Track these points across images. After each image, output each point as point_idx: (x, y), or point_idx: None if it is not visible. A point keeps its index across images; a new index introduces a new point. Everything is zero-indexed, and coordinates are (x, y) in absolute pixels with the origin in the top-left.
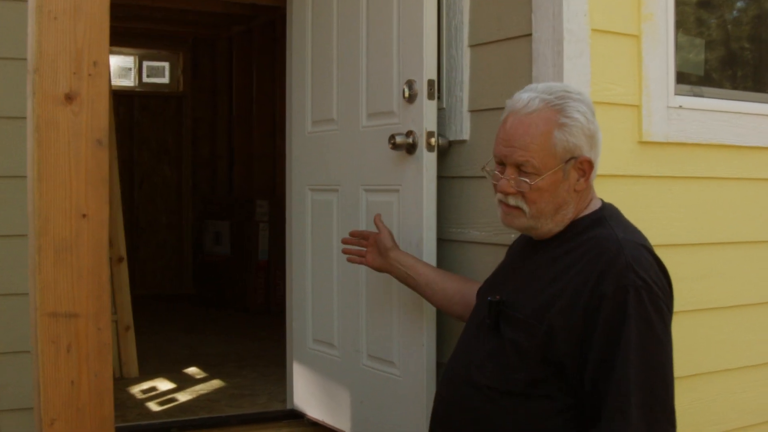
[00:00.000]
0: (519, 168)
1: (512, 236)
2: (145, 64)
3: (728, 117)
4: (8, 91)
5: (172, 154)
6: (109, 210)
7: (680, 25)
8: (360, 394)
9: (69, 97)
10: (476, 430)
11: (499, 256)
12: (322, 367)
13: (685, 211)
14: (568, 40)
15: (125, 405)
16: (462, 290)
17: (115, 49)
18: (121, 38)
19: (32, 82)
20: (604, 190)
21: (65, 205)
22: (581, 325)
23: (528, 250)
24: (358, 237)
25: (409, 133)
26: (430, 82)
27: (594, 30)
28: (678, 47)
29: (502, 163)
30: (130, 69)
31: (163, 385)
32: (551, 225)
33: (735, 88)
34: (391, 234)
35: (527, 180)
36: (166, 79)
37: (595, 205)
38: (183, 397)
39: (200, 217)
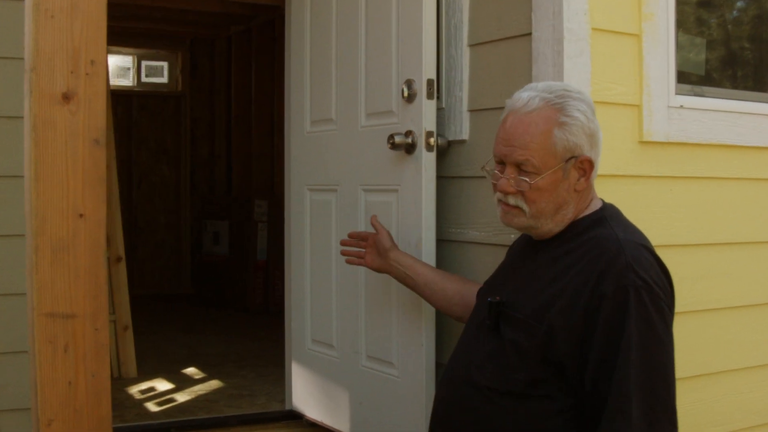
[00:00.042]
0: (519, 167)
1: (512, 236)
2: (144, 63)
3: (729, 117)
4: (7, 90)
5: (170, 154)
6: (106, 210)
7: (681, 24)
8: (359, 394)
9: (66, 97)
10: (476, 430)
11: (498, 257)
12: (321, 367)
13: (685, 211)
14: (568, 40)
15: (124, 405)
16: (461, 291)
17: (113, 48)
18: (119, 38)
19: (29, 81)
20: (605, 190)
21: (62, 204)
22: (581, 325)
23: (528, 251)
24: (356, 238)
25: (408, 133)
26: (430, 82)
27: (594, 29)
28: (678, 47)
29: (501, 163)
30: (128, 69)
31: (162, 385)
32: (551, 225)
33: (736, 87)
34: (389, 234)
35: (527, 179)
36: (164, 79)
37: (595, 206)
38: (182, 397)
39: (199, 216)
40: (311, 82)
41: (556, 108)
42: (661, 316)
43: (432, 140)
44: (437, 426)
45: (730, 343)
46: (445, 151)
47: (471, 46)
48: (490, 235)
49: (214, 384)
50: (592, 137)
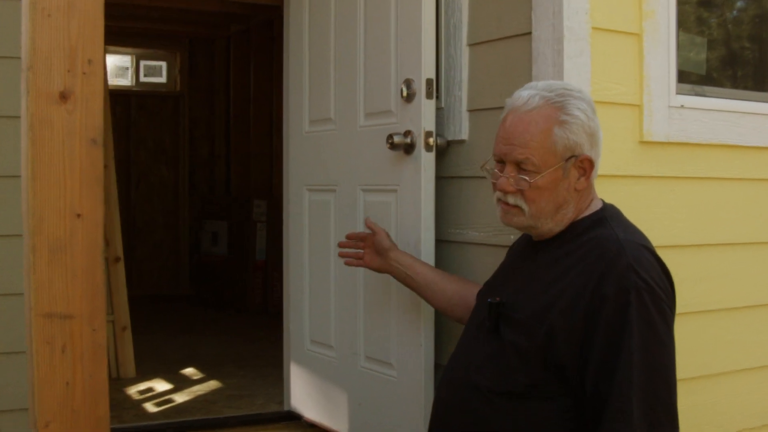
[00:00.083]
0: (519, 166)
1: (511, 237)
2: (143, 63)
3: (730, 117)
4: (4, 90)
5: (169, 154)
6: (104, 210)
7: (681, 23)
8: (358, 396)
9: (63, 96)
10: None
11: (498, 257)
12: (320, 368)
13: (686, 211)
14: (568, 39)
15: (122, 406)
16: (462, 292)
17: (112, 48)
18: (118, 37)
19: (26, 80)
20: (605, 191)
21: (59, 204)
22: (582, 326)
23: (528, 251)
24: (354, 239)
25: (407, 133)
26: (429, 82)
27: (594, 28)
28: (679, 46)
29: (501, 162)
30: (127, 68)
31: (160, 385)
32: (551, 224)
33: (737, 87)
34: (387, 234)
35: (527, 178)
36: (163, 79)
37: (595, 206)
38: (180, 398)
39: (197, 217)
40: (310, 81)
41: (557, 106)
42: (663, 317)
43: (431, 140)
44: (437, 427)
45: (730, 344)
46: (444, 151)
47: (470, 45)
48: (490, 235)
49: (212, 385)
50: (593, 136)
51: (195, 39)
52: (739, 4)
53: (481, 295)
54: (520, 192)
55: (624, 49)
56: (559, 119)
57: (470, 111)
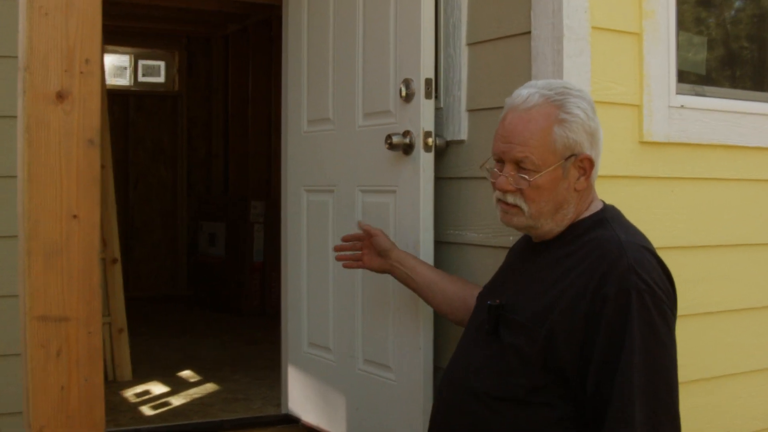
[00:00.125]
0: (518, 165)
1: (511, 238)
2: (141, 63)
3: (730, 117)
4: (3, 89)
5: (167, 154)
6: (101, 211)
7: (681, 23)
8: (356, 399)
9: (60, 96)
10: None
11: (497, 258)
12: (318, 371)
13: (686, 212)
14: (568, 38)
15: (118, 409)
16: (463, 294)
17: (110, 47)
18: (116, 37)
19: (23, 80)
20: (604, 191)
21: (56, 206)
22: (582, 328)
23: (528, 253)
24: (351, 240)
25: (406, 133)
26: (428, 81)
27: (594, 27)
28: (679, 46)
29: (500, 161)
30: (125, 68)
31: (157, 388)
32: (551, 225)
33: (737, 87)
34: (385, 233)
35: (526, 176)
36: (161, 78)
37: (596, 207)
38: (177, 401)
39: (195, 217)
40: (308, 81)
41: (556, 105)
42: (664, 319)
43: (430, 140)
44: (437, 427)
45: (730, 346)
46: (443, 152)
47: (469, 45)
48: (489, 236)
49: (209, 387)
50: (593, 136)
51: (193, 38)
52: (738, 3)
53: (480, 297)
54: (520, 191)
55: (624, 49)
56: (558, 117)
57: (469, 111)
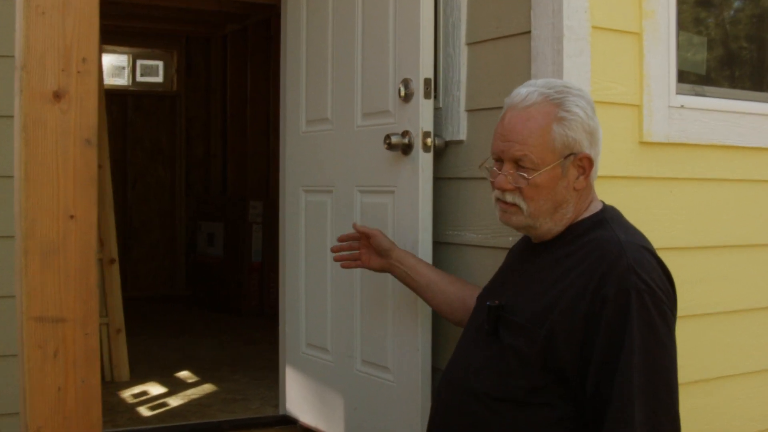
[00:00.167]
0: (517, 163)
1: (510, 239)
2: (139, 62)
3: (730, 117)
4: (1, 89)
5: (165, 154)
6: (97, 211)
7: (682, 23)
8: (354, 400)
9: (57, 95)
10: None
11: (496, 259)
12: (316, 372)
13: (686, 213)
14: (568, 38)
15: (115, 410)
16: (463, 295)
17: (108, 47)
18: (114, 37)
19: (20, 79)
20: (604, 192)
21: (52, 206)
22: (582, 328)
23: (527, 253)
24: (348, 240)
25: (404, 133)
26: (427, 81)
27: (594, 27)
28: (679, 46)
29: (499, 160)
30: (123, 68)
31: (155, 389)
32: (550, 224)
33: (736, 87)
34: (384, 234)
35: (525, 175)
36: (159, 78)
37: (595, 207)
38: (174, 401)
39: (193, 217)
40: (307, 81)
41: (555, 103)
42: (664, 319)
43: (429, 141)
44: (436, 428)
45: (729, 347)
46: (442, 152)
47: (469, 44)
48: (488, 237)
49: (207, 388)
50: (592, 135)
51: (192, 38)
52: (739, 3)
53: (480, 298)
54: (519, 190)
55: (624, 49)
56: (557, 116)
57: (468, 111)
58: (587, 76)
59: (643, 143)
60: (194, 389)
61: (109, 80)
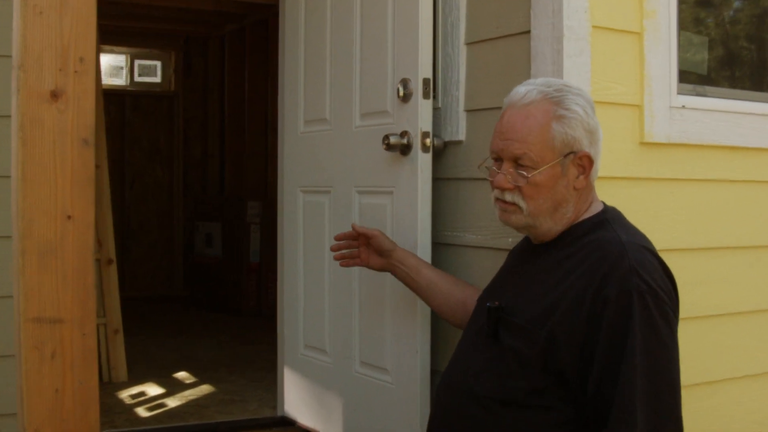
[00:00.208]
0: (516, 162)
1: (510, 240)
2: (137, 62)
3: (731, 117)
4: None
5: (163, 154)
6: (95, 211)
7: (682, 23)
8: (352, 401)
9: (54, 95)
10: None
11: (495, 260)
12: (314, 373)
13: (687, 214)
14: (568, 38)
15: (113, 410)
16: (463, 297)
17: (106, 47)
18: (112, 37)
19: (17, 78)
20: (604, 193)
21: (50, 206)
22: (584, 329)
23: (527, 255)
24: (346, 239)
25: (403, 134)
26: (426, 81)
27: (595, 27)
28: (680, 46)
29: (499, 159)
30: (121, 68)
31: (152, 390)
32: (550, 224)
33: (737, 87)
34: (384, 234)
35: (524, 173)
36: (158, 78)
37: (596, 208)
38: (172, 402)
39: (191, 217)
40: (305, 81)
41: (554, 101)
42: (666, 320)
43: (428, 141)
44: (435, 430)
45: (731, 349)
46: (441, 152)
47: (468, 44)
48: (487, 238)
49: (205, 389)
50: (592, 134)
51: (190, 38)
52: (740, 3)
53: (480, 299)
54: (518, 189)
55: (624, 48)
56: (556, 114)
57: (468, 111)
58: (587, 76)
59: (643, 144)
60: (192, 390)
61: (107, 80)
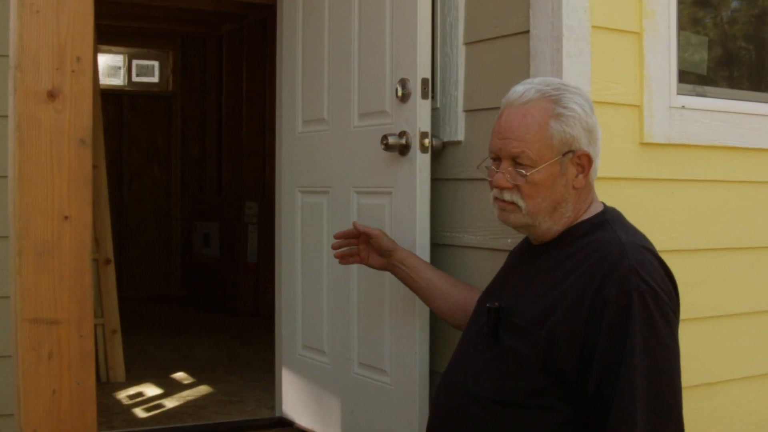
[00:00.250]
0: (515, 161)
1: (509, 240)
2: (135, 62)
3: (731, 117)
4: None
5: (161, 154)
6: (93, 211)
7: (682, 23)
8: (351, 402)
9: (51, 94)
10: None
11: (494, 261)
12: (312, 374)
13: (687, 214)
14: (567, 38)
15: (111, 411)
16: (463, 298)
17: (104, 47)
18: (110, 37)
19: (14, 78)
20: (604, 193)
21: (47, 206)
22: (583, 329)
23: (527, 255)
24: (346, 237)
25: (402, 134)
26: (424, 81)
27: (594, 27)
28: (680, 46)
29: (497, 158)
30: (119, 68)
31: (150, 390)
32: (549, 223)
33: (737, 87)
34: (385, 233)
35: (523, 171)
36: (155, 78)
37: (596, 209)
38: (170, 403)
39: (189, 217)
40: (303, 81)
41: (553, 100)
42: (666, 320)
43: (426, 141)
44: (435, 431)
45: (730, 350)
46: (439, 153)
47: (467, 44)
48: (486, 239)
49: (203, 389)
50: (591, 133)
51: (187, 38)
52: (740, 3)
53: (479, 300)
54: (517, 188)
55: (624, 48)
56: (555, 112)
57: (466, 111)
58: (587, 76)
59: (643, 144)
60: (190, 390)
61: (105, 80)
